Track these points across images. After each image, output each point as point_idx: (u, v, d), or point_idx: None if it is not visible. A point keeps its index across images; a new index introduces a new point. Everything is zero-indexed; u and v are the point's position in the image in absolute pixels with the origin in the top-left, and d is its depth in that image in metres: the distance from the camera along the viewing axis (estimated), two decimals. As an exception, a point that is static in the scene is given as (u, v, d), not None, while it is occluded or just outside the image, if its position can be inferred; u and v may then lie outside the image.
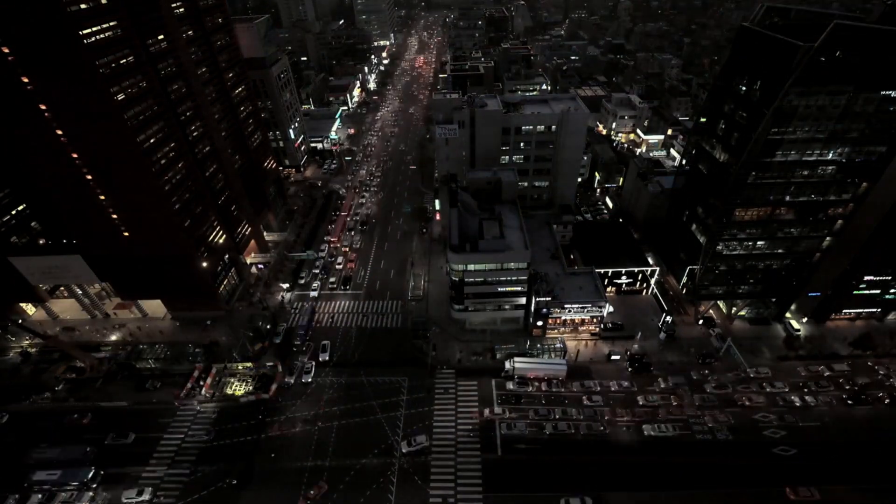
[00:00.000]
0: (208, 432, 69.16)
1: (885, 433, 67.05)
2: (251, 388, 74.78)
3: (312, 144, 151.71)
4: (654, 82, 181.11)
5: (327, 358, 79.68)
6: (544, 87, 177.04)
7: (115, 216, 74.25)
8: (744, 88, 69.94)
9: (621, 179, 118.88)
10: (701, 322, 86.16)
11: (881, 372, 76.61)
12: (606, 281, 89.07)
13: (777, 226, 74.97)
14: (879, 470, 62.66)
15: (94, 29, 60.47)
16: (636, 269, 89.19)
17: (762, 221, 74.49)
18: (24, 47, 57.98)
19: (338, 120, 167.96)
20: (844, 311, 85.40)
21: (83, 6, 59.44)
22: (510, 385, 75.19)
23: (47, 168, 69.14)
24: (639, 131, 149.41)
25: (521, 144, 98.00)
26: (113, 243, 77.20)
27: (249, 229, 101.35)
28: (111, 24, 63.09)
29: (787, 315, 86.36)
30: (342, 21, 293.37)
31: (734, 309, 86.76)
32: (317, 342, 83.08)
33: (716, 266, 79.97)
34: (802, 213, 73.22)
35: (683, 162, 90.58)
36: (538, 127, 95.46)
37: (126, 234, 76.10)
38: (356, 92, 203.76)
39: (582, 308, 79.93)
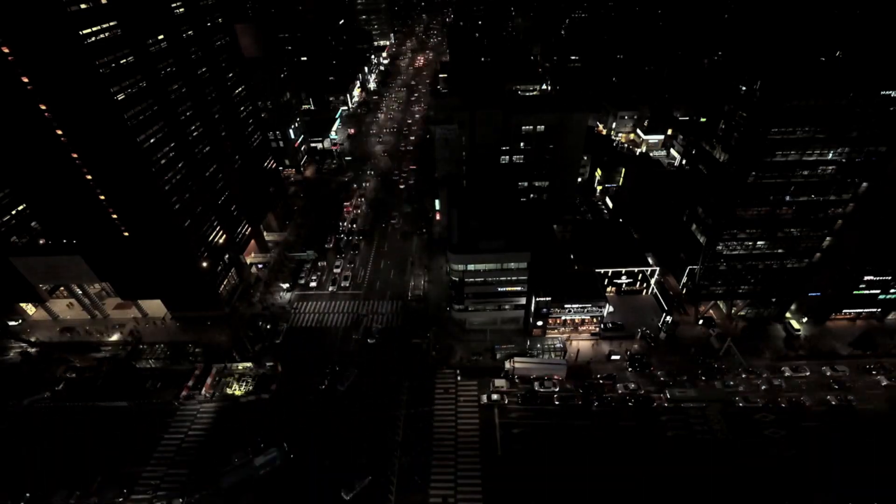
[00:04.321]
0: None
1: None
2: (251, 388, 74.85)
3: (312, 145, 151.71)
4: (654, 82, 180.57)
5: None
6: (545, 87, 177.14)
7: (115, 216, 74.24)
8: (744, 88, 70.03)
9: (621, 179, 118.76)
10: (701, 322, 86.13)
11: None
12: (606, 281, 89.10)
13: (777, 225, 74.96)
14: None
15: (94, 29, 60.40)
16: (636, 269, 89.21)
17: (762, 221, 74.49)
18: (24, 47, 57.94)
19: (338, 120, 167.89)
20: (844, 311, 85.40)
21: (83, 6, 59.35)
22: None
23: (47, 168, 69.10)
24: (639, 131, 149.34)
25: (521, 144, 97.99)
26: (113, 243, 77.23)
27: (249, 229, 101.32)
28: (111, 24, 63.06)
29: (787, 315, 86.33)
30: (342, 21, 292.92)
31: (734, 309, 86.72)
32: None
33: (716, 266, 79.94)
34: (802, 212, 73.24)
35: (683, 162, 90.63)
36: (538, 127, 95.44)
37: (126, 234, 76.09)
38: (356, 92, 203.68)
39: (582, 308, 79.96)
